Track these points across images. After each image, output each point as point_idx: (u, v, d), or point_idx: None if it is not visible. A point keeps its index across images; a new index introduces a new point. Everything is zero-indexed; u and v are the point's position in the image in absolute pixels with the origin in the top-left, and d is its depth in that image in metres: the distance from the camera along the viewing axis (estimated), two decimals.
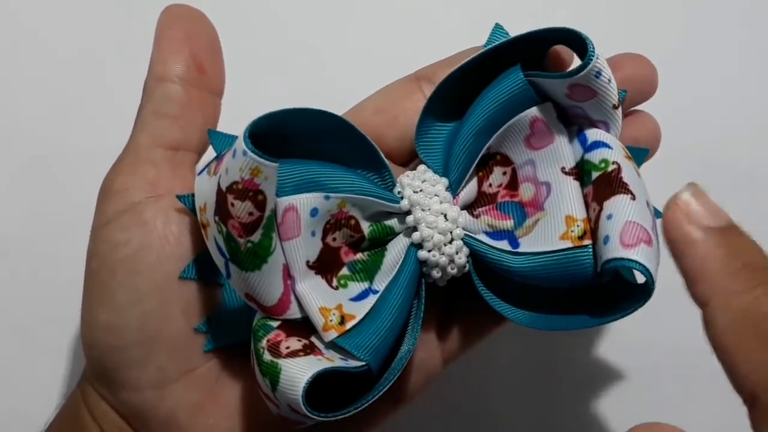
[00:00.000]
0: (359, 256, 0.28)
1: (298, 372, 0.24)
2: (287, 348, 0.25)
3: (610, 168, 0.26)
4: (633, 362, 0.38)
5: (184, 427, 0.27)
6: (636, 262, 0.24)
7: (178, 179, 0.28)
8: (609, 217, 0.25)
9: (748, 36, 0.40)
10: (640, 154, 0.29)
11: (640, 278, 0.25)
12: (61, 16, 0.39)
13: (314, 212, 0.26)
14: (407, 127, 0.29)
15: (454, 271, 0.27)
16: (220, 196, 0.24)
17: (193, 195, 0.27)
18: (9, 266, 0.38)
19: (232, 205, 0.24)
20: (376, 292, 0.27)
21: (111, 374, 0.27)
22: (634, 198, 0.25)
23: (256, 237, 0.24)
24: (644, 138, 0.30)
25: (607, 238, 0.24)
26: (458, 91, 0.28)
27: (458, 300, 0.29)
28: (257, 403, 0.27)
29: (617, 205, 0.25)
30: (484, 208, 0.28)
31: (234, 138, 0.28)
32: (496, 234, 0.27)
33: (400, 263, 0.27)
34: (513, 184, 0.28)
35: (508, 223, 0.27)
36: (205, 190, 0.26)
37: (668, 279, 0.36)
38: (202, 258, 0.27)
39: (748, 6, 0.40)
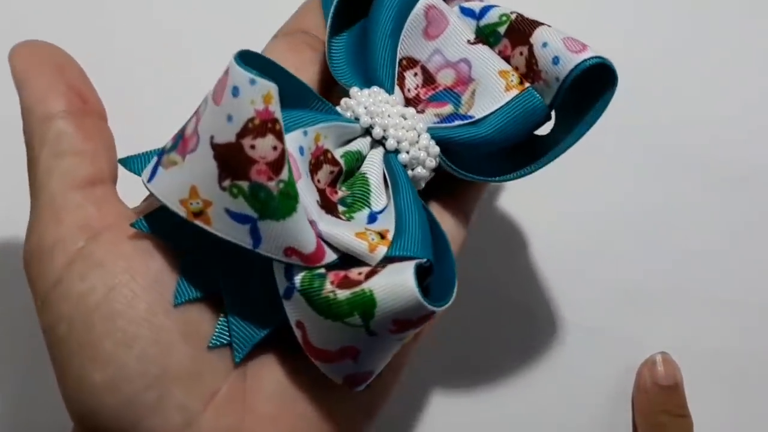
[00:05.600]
0: (341, 193, 0.26)
1: (395, 276, 0.22)
2: (359, 273, 0.23)
3: (513, 17, 0.28)
4: (634, 363, 0.38)
5: None
6: (593, 57, 0.26)
7: (106, 213, 0.25)
8: (544, 45, 0.27)
9: (748, 35, 0.41)
10: None
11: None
12: (61, 16, 0.38)
13: (301, 150, 0.24)
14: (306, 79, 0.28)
15: (433, 163, 0.27)
16: (231, 149, 0.22)
17: (143, 218, 0.25)
18: None
19: (253, 147, 0.22)
20: (380, 212, 0.26)
21: None
22: (550, 26, 0.28)
23: (284, 174, 0.22)
24: None
25: (556, 59, 0.27)
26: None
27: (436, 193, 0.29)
28: (298, 398, 0.25)
29: (544, 34, 0.27)
30: (421, 105, 0.29)
31: (150, 155, 0.26)
32: (446, 119, 0.28)
33: (387, 175, 0.27)
34: (429, 80, 0.29)
35: (448, 108, 0.28)
36: (177, 181, 0.23)
37: (668, 280, 0.39)
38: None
39: (748, 5, 0.41)
